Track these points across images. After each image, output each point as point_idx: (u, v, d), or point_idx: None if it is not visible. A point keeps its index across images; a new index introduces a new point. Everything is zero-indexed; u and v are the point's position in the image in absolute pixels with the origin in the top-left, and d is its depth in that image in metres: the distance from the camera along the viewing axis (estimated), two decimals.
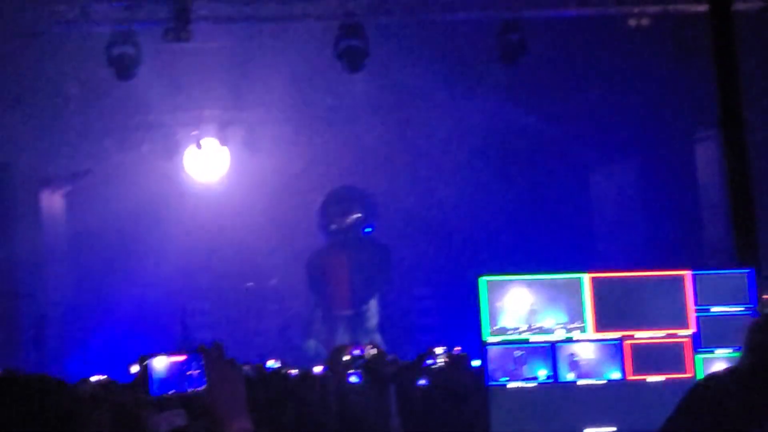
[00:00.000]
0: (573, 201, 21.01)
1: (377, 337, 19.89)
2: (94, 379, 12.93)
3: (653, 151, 19.50)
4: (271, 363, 14.98)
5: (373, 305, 20.93)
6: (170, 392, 3.58)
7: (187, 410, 4.63)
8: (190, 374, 3.58)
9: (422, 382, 10.09)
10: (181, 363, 3.59)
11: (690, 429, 2.11)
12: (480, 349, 4.44)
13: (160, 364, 3.55)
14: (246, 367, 13.89)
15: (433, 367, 11.48)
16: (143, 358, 3.53)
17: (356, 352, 14.79)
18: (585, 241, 20.47)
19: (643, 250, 19.72)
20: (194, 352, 3.57)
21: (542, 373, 4.40)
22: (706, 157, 17.85)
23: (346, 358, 14.17)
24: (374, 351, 15.14)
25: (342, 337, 19.76)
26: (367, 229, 21.14)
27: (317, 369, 13.76)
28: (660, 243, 18.99)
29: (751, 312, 4.20)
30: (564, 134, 20.38)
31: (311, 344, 20.58)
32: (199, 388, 3.53)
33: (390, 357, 15.01)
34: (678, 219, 18.85)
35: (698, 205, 18.89)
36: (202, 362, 3.52)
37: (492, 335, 4.39)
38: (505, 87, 19.11)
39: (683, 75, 16.69)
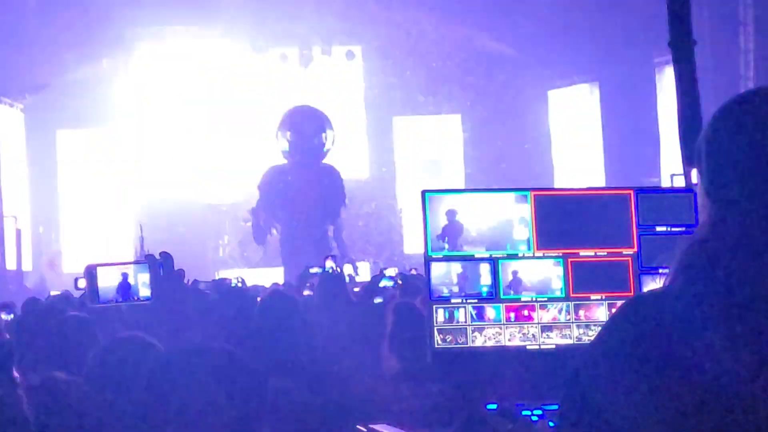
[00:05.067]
0: (531, 122, 21.05)
1: (346, 258, 19.94)
2: (53, 293, 13.00)
3: (614, 73, 19.54)
4: (231, 280, 15.05)
5: (339, 224, 20.94)
6: (116, 302, 3.63)
7: (132, 320, 4.66)
8: (137, 284, 3.62)
9: (378, 300, 10.18)
10: (128, 273, 3.64)
11: (618, 345, 2.15)
12: (424, 264, 4.50)
13: (107, 273, 3.60)
14: (203, 284, 13.95)
15: (388, 286, 11.61)
16: (90, 267, 3.57)
17: (314, 270, 14.89)
18: (543, 162, 20.56)
19: (601, 173, 19.86)
20: (142, 262, 3.61)
21: (484, 290, 4.46)
22: (666, 80, 17.91)
23: (310, 274, 14.32)
24: (331, 270, 15.25)
25: (310, 255, 19.78)
26: (326, 149, 21.06)
27: (275, 284, 13.86)
28: (619, 165, 19.11)
29: (686, 231, 4.25)
30: (524, 56, 20.38)
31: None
32: (145, 298, 3.58)
33: (349, 276, 15.12)
34: (637, 141, 18.95)
35: (658, 128, 19.01)
36: (150, 272, 3.57)
37: (435, 251, 4.45)
38: (464, 7, 19.08)
39: None
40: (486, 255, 4.44)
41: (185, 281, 8.01)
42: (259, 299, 9.09)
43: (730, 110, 2.24)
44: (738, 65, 16.60)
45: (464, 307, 4.43)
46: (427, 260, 4.42)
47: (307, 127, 20.77)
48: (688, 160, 6.15)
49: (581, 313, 4.49)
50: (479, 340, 4.45)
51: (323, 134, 20.92)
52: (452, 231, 4.42)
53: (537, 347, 4.50)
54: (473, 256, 4.44)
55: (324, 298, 9.67)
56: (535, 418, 4.32)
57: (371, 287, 11.58)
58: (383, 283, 11.90)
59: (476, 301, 4.44)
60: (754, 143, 2.12)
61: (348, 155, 22.54)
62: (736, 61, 16.53)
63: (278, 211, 20.33)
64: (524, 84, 20.71)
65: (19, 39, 19.24)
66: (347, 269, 17.93)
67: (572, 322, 4.48)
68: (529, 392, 4.49)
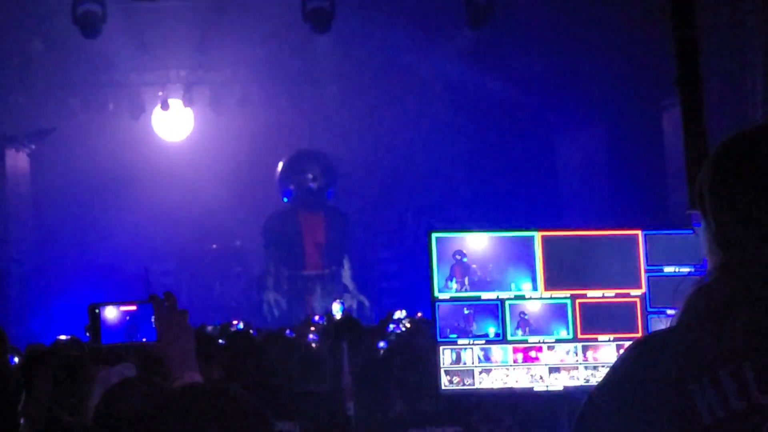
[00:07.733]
0: (538, 165, 21.06)
1: (357, 298, 19.90)
2: (62, 337, 12.97)
3: (620, 116, 19.55)
4: (236, 323, 15.03)
5: (346, 266, 20.89)
6: (120, 342, 3.59)
7: (137, 360, 4.64)
8: (141, 324, 3.59)
9: (382, 344, 10.15)
10: (132, 313, 3.60)
11: (625, 387, 2.12)
12: (431, 305, 4.46)
13: (111, 313, 3.56)
14: (210, 328, 13.93)
15: (395, 331, 11.57)
16: (93, 306, 3.53)
17: (322, 313, 14.89)
18: (550, 204, 20.54)
19: (608, 215, 19.82)
20: (146, 302, 3.58)
21: (491, 331, 4.41)
22: (673, 123, 17.93)
23: (318, 318, 14.30)
24: (339, 314, 15.23)
25: (316, 296, 19.75)
26: (328, 192, 21.06)
27: (281, 330, 13.83)
28: (625, 208, 19.08)
29: (697, 272, 4.20)
30: (530, 99, 20.40)
31: (270, 297, 20.42)
32: (149, 339, 3.54)
33: (353, 319, 15.07)
34: (644, 184, 18.93)
35: (664, 170, 18.98)
36: (154, 312, 3.53)
37: (442, 292, 4.41)
38: (471, 51, 19.11)
39: (651, 39, 16.75)
40: (493, 296, 4.41)
41: (191, 324, 7.99)
42: (264, 342, 9.06)
43: (735, 150, 2.19)
44: (746, 106, 16.59)
45: (471, 348, 4.39)
46: (434, 301, 4.39)
47: (308, 170, 20.82)
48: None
49: (589, 354, 4.45)
50: (486, 382, 4.42)
51: (325, 177, 20.95)
52: (459, 271, 4.39)
53: (545, 389, 4.46)
54: (480, 297, 4.41)
55: (334, 341, 9.60)
56: None
57: (379, 330, 11.54)
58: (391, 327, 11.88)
59: (483, 342, 4.39)
60: (762, 187, 2.08)
61: (355, 196, 22.54)
62: (745, 103, 16.51)
63: (283, 254, 20.31)
64: (531, 126, 20.74)
65: (25, 84, 19.30)
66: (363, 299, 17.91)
67: (580, 364, 4.44)
68: None
